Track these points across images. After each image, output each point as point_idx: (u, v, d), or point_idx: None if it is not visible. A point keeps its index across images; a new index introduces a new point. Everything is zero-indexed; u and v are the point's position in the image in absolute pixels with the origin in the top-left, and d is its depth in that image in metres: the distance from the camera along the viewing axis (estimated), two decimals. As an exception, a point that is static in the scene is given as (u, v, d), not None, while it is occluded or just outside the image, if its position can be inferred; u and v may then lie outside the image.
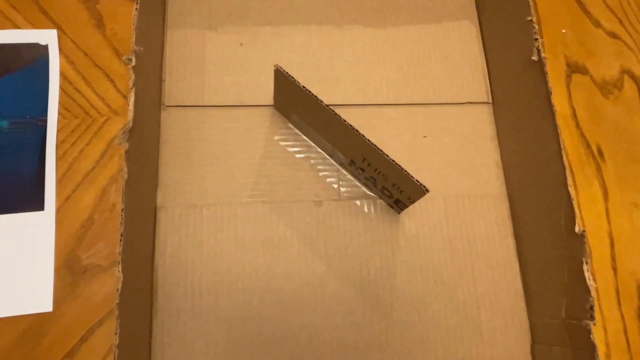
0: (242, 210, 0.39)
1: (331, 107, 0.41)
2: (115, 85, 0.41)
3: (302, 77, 0.43)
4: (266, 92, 0.41)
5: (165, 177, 0.39)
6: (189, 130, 0.40)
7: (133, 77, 0.33)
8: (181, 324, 0.36)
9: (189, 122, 0.40)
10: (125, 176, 0.31)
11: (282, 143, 0.41)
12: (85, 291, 0.36)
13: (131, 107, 0.32)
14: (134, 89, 0.32)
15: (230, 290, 0.37)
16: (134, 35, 0.33)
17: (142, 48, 0.34)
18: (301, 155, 0.41)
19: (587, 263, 0.32)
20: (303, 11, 0.45)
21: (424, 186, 0.32)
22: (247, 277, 0.37)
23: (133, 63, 0.33)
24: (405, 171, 0.33)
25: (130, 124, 0.32)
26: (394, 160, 0.33)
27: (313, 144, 0.41)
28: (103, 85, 0.41)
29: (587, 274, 0.32)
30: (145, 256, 0.36)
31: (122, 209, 0.30)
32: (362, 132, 0.42)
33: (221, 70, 0.42)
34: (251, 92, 0.42)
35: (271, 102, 0.41)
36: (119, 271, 0.29)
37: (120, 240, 0.30)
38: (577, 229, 0.33)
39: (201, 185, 0.39)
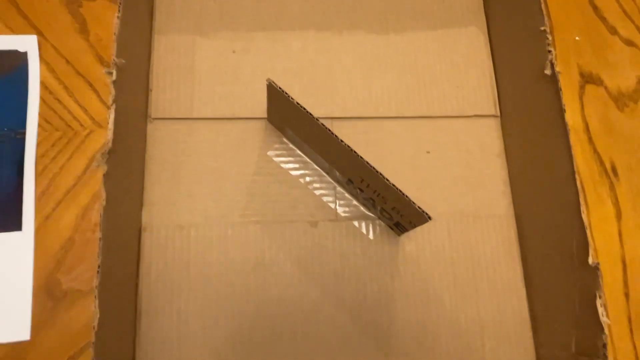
0: (233, 231, 0.36)
1: (328, 121, 0.39)
2: (99, 96, 0.39)
3: (298, 87, 0.40)
4: (260, 104, 0.38)
5: (151, 195, 0.37)
6: (177, 144, 0.38)
7: (114, 92, 0.30)
8: (166, 353, 0.34)
9: (177, 135, 0.38)
10: (104, 202, 0.28)
11: (276, 159, 0.38)
12: (65, 317, 0.34)
13: (111, 125, 0.30)
14: (114, 106, 0.30)
15: (218, 317, 0.35)
16: (115, 47, 0.31)
17: (123, 60, 0.31)
18: (296, 172, 0.38)
19: (600, 297, 0.30)
20: (300, 15, 0.42)
21: (427, 213, 0.30)
22: (237, 303, 0.35)
23: (114, 77, 0.30)
24: (407, 196, 0.30)
25: (110, 145, 0.29)
26: (394, 185, 0.30)
27: (309, 160, 0.39)
28: (86, 95, 0.39)
29: (600, 309, 0.30)
30: (128, 281, 0.34)
31: (100, 238, 0.28)
32: (361, 146, 0.39)
33: (212, 79, 0.39)
34: (244, 103, 0.39)
35: (265, 114, 0.39)
36: (95, 306, 0.27)
37: (98, 271, 0.28)
38: (590, 261, 0.30)
39: (189, 204, 0.37)
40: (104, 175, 0.29)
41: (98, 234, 0.28)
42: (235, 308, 0.35)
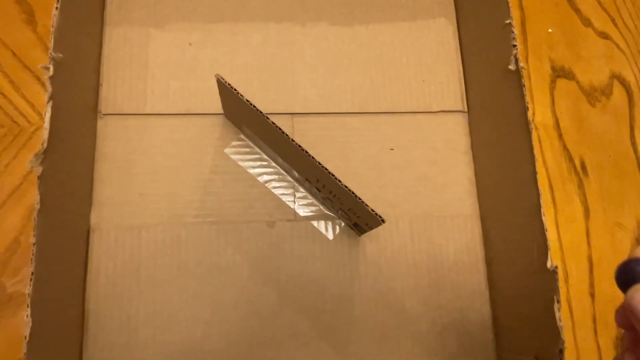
0: (187, 231, 0.35)
1: (288, 117, 0.38)
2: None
3: (258, 81, 0.39)
4: (216, 99, 0.37)
5: (101, 194, 0.35)
6: (129, 141, 0.36)
7: (50, 89, 0.29)
8: None
9: (128, 132, 0.36)
10: (38, 206, 0.27)
11: (233, 156, 0.37)
12: (11, 323, 0.33)
13: (47, 124, 0.28)
14: (51, 103, 0.28)
15: (170, 323, 0.33)
16: (53, 40, 0.29)
17: (62, 55, 0.29)
18: (254, 171, 0.37)
19: (558, 302, 0.29)
20: (261, 6, 0.40)
21: (380, 217, 0.29)
22: (189, 308, 0.34)
23: (51, 73, 0.29)
24: (360, 199, 0.29)
25: (45, 145, 0.28)
26: (347, 187, 0.29)
27: (268, 158, 0.37)
28: (33, 90, 0.37)
29: (557, 314, 0.29)
30: (74, 285, 0.32)
31: (34, 244, 0.27)
32: (323, 143, 0.38)
33: (166, 73, 0.38)
34: (200, 98, 0.37)
35: (222, 110, 0.37)
36: (27, 315, 0.26)
37: (31, 279, 0.26)
38: (549, 265, 0.29)
39: (141, 204, 0.35)
40: (39, 177, 0.27)
41: (33, 239, 0.27)
42: (188, 313, 0.34)
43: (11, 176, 0.35)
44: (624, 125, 0.42)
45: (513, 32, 0.33)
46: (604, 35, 0.44)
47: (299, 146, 0.29)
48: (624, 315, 0.23)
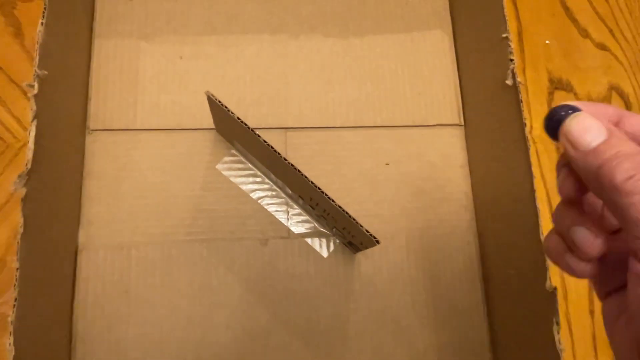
0: (177, 250, 0.34)
1: (282, 132, 0.37)
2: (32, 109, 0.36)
3: (251, 96, 0.38)
4: (208, 114, 0.36)
5: (89, 213, 0.34)
6: (118, 157, 0.35)
7: (34, 107, 0.28)
8: (104, 383, 0.32)
9: (117, 148, 0.36)
10: (22, 229, 0.26)
11: (225, 172, 0.36)
12: (-5, 346, 0.32)
13: (31, 144, 0.27)
14: (35, 122, 0.28)
15: (161, 345, 0.33)
16: (37, 57, 0.28)
17: (46, 72, 0.29)
18: (247, 187, 0.36)
19: (557, 324, 0.28)
20: (254, 19, 0.39)
21: (375, 237, 0.28)
22: (180, 329, 0.33)
23: (35, 90, 0.28)
24: (354, 219, 0.28)
25: (29, 165, 0.27)
26: (340, 207, 0.28)
27: (260, 174, 0.36)
28: (20, 105, 0.36)
29: (557, 337, 0.28)
30: (60, 307, 0.31)
31: (17, 268, 0.26)
32: (317, 158, 0.37)
33: (157, 87, 0.37)
34: (191, 113, 0.37)
35: (213, 124, 0.36)
36: (10, 343, 0.25)
37: (14, 305, 0.25)
38: (547, 285, 0.29)
39: (131, 222, 0.34)
40: (22, 199, 0.26)
41: (15, 264, 0.26)
42: (178, 335, 0.33)
43: (-3, 194, 0.34)
44: (622, 138, 0.42)
45: (510, 46, 0.32)
46: (602, 47, 0.44)
47: (292, 165, 0.29)
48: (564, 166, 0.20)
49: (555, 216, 0.21)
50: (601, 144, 0.17)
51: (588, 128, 0.18)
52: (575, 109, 0.18)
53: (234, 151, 0.37)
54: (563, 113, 0.18)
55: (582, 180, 0.19)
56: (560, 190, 0.20)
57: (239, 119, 0.29)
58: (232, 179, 0.36)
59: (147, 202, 0.35)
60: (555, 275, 0.37)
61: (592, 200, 0.20)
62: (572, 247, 0.20)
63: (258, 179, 0.36)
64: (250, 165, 0.36)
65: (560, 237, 0.20)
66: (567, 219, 0.20)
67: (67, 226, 0.33)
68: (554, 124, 0.19)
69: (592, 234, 0.19)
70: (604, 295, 0.21)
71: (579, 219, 0.19)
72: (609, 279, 0.20)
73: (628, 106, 0.42)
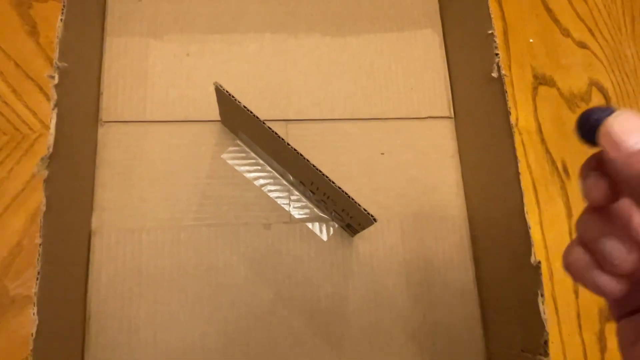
0: (185, 234, 0.36)
1: (283, 124, 0.39)
2: (49, 99, 0.38)
3: (253, 90, 0.40)
4: (213, 106, 0.38)
5: (102, 199, 0.36)
6: (129, 147, 0.37)
7: (55, 97, 0.30)
8: None
9: (128, 139, 0.38)
10: (44, 208, 0.28)
11: (230, 161, 0.38)
12: (13, 324, 0.34)
13: (52, 130, 0.29)
14: (56, 110, 0.30)
15: (170, 322, 0.34)
16: (58, 50, 0.31)
17: (66, 64, 0.31)
18: (250, 175, 0.38)
19: (542, 296, 0.31)
20: (256, 18, 0.42)
21: (372, 216, 0.30)
22: (189, 308, 0.35)
23: (56, 81, 0.30)
24: (353, 199, 0.30)
25: (51, 150, 0.29)
26: (340, 188, 0.30)
27: (263, 163, 0.39)
28: (36, 99, 0.38)
29: (541, 307, 0.31)
30: (76, 286, 0.33)
31: (40, 244, 0.28)
32: (316, 148, 0.40)
33: (165, 82, 0.39)
34: (197, 106, 0.39)
35: (218, 117, 0.39)
36: (34, 313, 0.27)
37: (37, 278, 0.27)
38: (532, 260, 0.31)
39: (141, 208, 0.36)
40: (44, 180, 0.28)
41: (39, 240, 0.28)
42: (187, 313, 0.35)
43: (14, 182, 0.36)
44: (602, 130, 0.44)
45: (495, 42, 0.35)
46: (582, 45, 0.46)
47: (295, 150, 0.31)
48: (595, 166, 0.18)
49: (581, 225, 0.19)
50: None
51: (634, 128, 0.16)
52: (612, 110, 0.17)
53: (238, 142, 0.39)
54: (602, 114, 0.17)
55: (616, 186, 0.17)
56: (589, 195, 0.18)
57: (245, 107, 0.31)
58: (237, 168, 0.38)
59: (156, 189, 0.37)
60: (541, 256, 0.40)
61: (625, 210, 0.18)
62: (600, 261, 0.18)
63: (261, 168, 0.38)
64: (253, 154, 0.39)
65: (584, 250, 0.18)
66: (596, 228, 0.18)
67: (82, 210, 0.35)
68: (591, 124, 0.17)
69: (625, 247, 0.17)
70: (620, 316, 0.19)
71: (609, 229, 0.17)
72: (629, 299, 0.19)
73: (607, 100, 0.45)
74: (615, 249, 0.17)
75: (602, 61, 0.46)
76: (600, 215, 0.18)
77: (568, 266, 0.19)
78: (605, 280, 0.18)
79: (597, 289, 0.18)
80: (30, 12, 0.40)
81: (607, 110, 0.17)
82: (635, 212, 0.18)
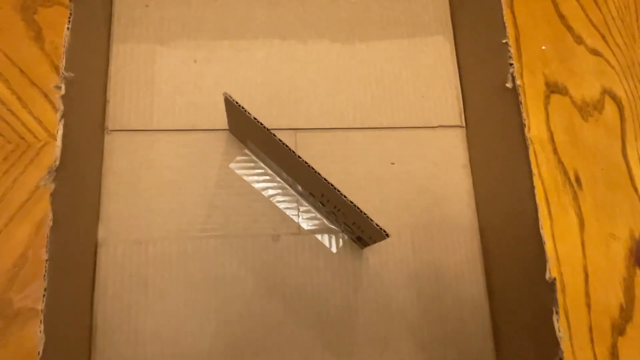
0: (193, 245, 0.36)
1: (292, 133, 0.39)
2: (54, 107, 0.37)
3: (261, 97, 0.40)
4: (221, 115, 0.37)
5: (108, 209, 0.36)
6: (136, 156, 0.37)
7: (62, 107, 0.29)
8: (123, 372, 0.33)
9: (135, 147, 0.37)
10: (51, 222, 0.28)
11: (238, 171, 0.38)
12: (17, 337, 0.33)
13: (59, 142, 0.29)
14: (63, 121, 0.29)
15: (177, 336, 0.34)
16: (64, 60, 0.30)
17: (73, 74, 0.30)
18: (259, 185, 0.38)
19: (556, 313, 0.30)
20: (264, 24, 0.41)
21: (385, 231, 0.30)
22: (196, 321, 0.34)
23: (62, 91, 0.29)
24: (365, 214, 0.30)
25: (58, 162, 0.28)
26: (352, 202, 0.30)
27: (272, 173, 0.38)
28: (41, 106, 0.37)
29: (556, 325, 0.30)
30: (82, 300, 0.33)
31: (47, 260, 0.27)
32: (325, 158, 0.39)
33: (172, 89, 0.38)
34: (205, 114, 0.38)
35: (226, 125, 0.38)
36: (40, 331, 0.26)
37: (44, 295, 0.27)
38: (547, 277, 0.30)
39: (148, 219, 0.36)
40: (51, 193, 0.28)
41: (45, 255, 0.27)
42: (195, 326, 0.34)
43: (19, 191, 0.36)
44: (615, 139, 0.44)
45: (510, 51, 0.34)
46: (595, 52, 0.46)
47: (305, 162, 0.30)
48: None
49: None
50: None
51: None
52: None
53: (246, 151, 0.38)
54: None
55: None
56: None
57: (255, 118, 0.30)
58: (245, 178, 0.38)
59: (163, 200, 0.36)
60: (552, 268, 0.39)
61: None
62: None
63: (269, 178, 0.38)
64: (262, 164, 0.38)
65: None
66: None
67: (88, 221, 0.34)
68: None
69: None
70: None
71: None
72: None
73: (620, 109, 0.44)
74: None
75: (615, 69, 0.45)
76: None
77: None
78: None
79: None
80: (35, 18, 0.39)
81: None
82: None
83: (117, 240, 0.35)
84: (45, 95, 0.38)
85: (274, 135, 0.30)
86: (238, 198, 0.37)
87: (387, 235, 0.30)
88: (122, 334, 0.33)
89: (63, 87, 0.29)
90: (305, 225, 0.37)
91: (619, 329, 0.39)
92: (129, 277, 0.34)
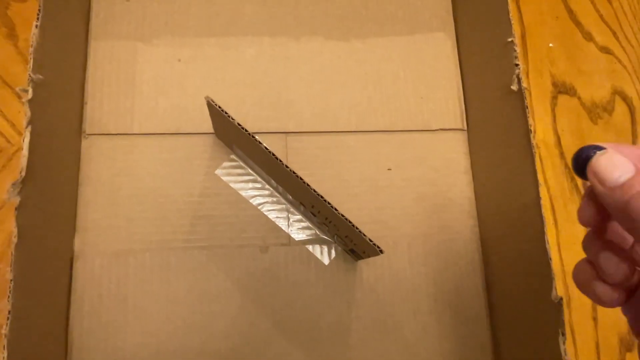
0: (176, 258, 0.34)
1: (282, 136, 0.36)
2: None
3: (251, 99, 0.37)
4: (207, 118, 0.35)
5: (85, 219, 0.33)
6: (115, 162, 0.35)
7: (29, 113, 0.27)
8: (101, 394, 0.31)
9: (115, 153, 0.35)
10: (15, 239, 0.25)
11: (224, 178, 0.35)
12: (-12, 356, 0.31)
13: (25, 151, 0.26)
14: (29, 129, 0.27)
15: (158, 355, 0.32)
16: (32, 60, 0.28)
17: (41, 76, 0.28)
18: (246, 193, 0.35)
19: (563, 335, 0.28)
20: (254, 20, 0.39)
21: (379, 247, 0.27)
22: (179, 338, 0.32)
23: (30, 95, 0.27)
24: (358, 229, 0.28)
25: (24, 173, 0.26)
26: (344, 216, 0.28)
27: (260, 180, 0.36)
28: (14, 108, 0.35)
29: (562, 347, 0.28)
30: (56, 317, 0.31)
31: (11, 280, 0.25)
32: (318, 163, 0.37)
33: (155, 90, 0.36)
34: (189, 117, 0.36)
35: (212, 129, 0.36)
36: (4, 358, 0.24)
37: (8, 317, 0.25)
38: (553, 296, 0.28)
39: (128, 229, 0.34)
40: (16, 208, 0.26)
41: (10, 275, 0.25)
42: (177, 344, 0.32)
43: (-10, 200, 0.33)
44: (625, 142, 0.41)
45: (515, 51, 0.32)
46: (606, 50, 0.43)
47: (293, 172, 0.28)
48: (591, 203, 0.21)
49: (584, 244, 0.22)
50: (629, 180, 0.18)
51: (616, 164, 0.19)
52: (602, 148, 0.19)
53: (233, 156, 0.36)
54: (591, 152, 0.20)
55: (605, 210, 0.20)
56: (578, 218, 0.21)
57: (239, 124, 0.28)
58: (232, 185, 0.35)
59: (144, 208, 0.34)
60: (557, 280, 0.37)
61: (615, 229, 0.21)
62: (600, 274, 0.20)
63: (258, 185, 0.36)
64: (250, 170, 0.36)
65: (590, 266, 0.21)
66: (595, 246, 0.21)
67: (63, 233, 0.32)
68: (582, 162, 0.20)
69: (618, 258, 0.20)
70: (639, 333, 0.22)
71: (605, 245, 0.20)
72: None
73: (632, 110, 0.42)
74: (608, 259, 0.20)
75: (627, 67, 0.43)
76: (599, 235, 0.21)
77: (575, 279, 0.22)
78: (604, 290, 0.21)
79: (597, 299, 0.21)
80: (8, 13, 0.36)
81: (596, 149, 0.20)
82: (623, 232, 0.21)
83: (94, 253, 0.33)
84: (19, 97, 0.35)
85: (260, 142, 0.28)
86: (224, 207, 0.35)
87: (382, 252, 0.28)
88: (99, 352, 0.31)
89: (30, 90, 0.27)
90: (296, 235, 0.35)
91: (627, 345, 0.37)
92: (108, 292, 0.32)
